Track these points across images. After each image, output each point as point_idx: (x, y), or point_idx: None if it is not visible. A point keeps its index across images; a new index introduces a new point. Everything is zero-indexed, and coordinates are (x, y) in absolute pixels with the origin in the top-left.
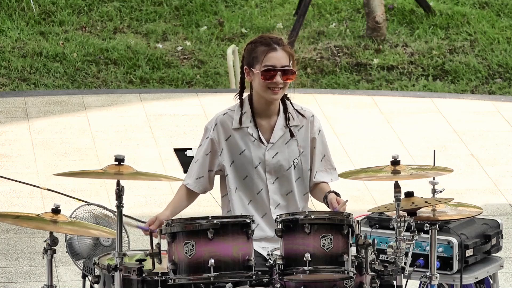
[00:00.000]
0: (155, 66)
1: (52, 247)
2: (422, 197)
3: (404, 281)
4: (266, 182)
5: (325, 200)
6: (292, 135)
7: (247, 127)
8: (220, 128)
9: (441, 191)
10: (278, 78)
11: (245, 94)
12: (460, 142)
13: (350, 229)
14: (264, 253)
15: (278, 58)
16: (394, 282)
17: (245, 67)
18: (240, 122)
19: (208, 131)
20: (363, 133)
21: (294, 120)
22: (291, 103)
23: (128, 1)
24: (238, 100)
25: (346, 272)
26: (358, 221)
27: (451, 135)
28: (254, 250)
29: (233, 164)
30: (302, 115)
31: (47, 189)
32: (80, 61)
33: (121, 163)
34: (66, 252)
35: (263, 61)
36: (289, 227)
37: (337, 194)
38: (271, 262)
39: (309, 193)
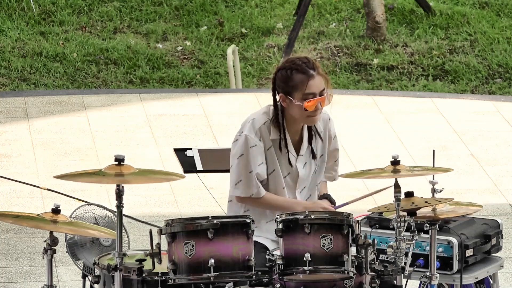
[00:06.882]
0: (155, 66)
1: (52, 247)
2: (422, 197)
3: (404, 281)
4: (295, 192)
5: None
6: (313, 156)
7: (282, 138)
8: (263, 139)
9: (440, 191)
10: (319, 105)
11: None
12: (460, 142)
13: (350, 229)
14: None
15: (317, 85)
16: (394, 282)
17: (280, 94)
18: (275, 133)
19: (254, 141)
20: (363, 133)
21: (316, 138)
22: None
23: (128, 1)
24: (270, 110)
25: (346, 272)
26: (358, 221)
27: (451, 135)
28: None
29: (272, 173)
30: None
31: (47, 189)
32: (80, 61)
33: (121, 163)
34: (66, 252)
35: (304, 91)
36: (289, 227)
37: (330, 199)
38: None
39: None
